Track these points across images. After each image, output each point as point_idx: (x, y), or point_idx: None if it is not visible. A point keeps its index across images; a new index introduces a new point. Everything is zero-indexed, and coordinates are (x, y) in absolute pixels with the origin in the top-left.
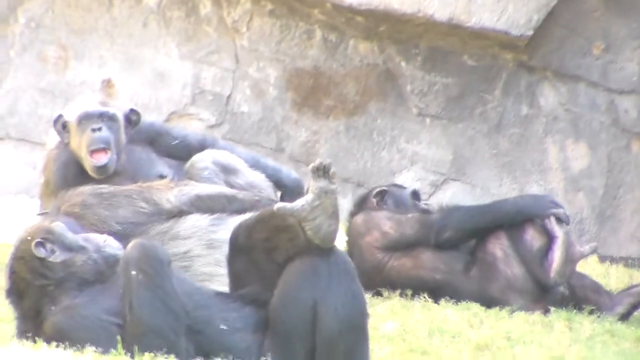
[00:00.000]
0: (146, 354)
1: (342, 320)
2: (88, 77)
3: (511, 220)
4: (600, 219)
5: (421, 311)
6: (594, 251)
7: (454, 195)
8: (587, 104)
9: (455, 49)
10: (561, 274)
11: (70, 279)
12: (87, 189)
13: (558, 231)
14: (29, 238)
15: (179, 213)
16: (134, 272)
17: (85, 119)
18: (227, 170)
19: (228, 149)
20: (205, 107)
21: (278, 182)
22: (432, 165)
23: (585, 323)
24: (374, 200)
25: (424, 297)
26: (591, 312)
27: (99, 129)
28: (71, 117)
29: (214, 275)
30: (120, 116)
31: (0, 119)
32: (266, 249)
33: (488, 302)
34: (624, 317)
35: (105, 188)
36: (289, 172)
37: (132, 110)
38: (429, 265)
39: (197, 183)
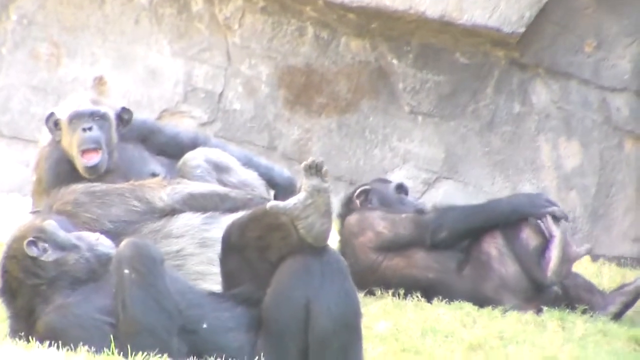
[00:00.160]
0: (139, 353)
1: (335, 319)
2: (80, 74)
3: (506, 219)
4: (592, 217)
5: (414, 310)
6: (588, 252)
7: (446, 193)
8: (579, 102)
9: (447, 46)
10: (558, 273)
11: (62, 277)
12: (79, 187)
13: (555, 230)
14: (21, 237)
15: (171, 211)
16: (126, 271)
17: (77, 118)
18: (219, 169)
19: (220, 147)
20: (197, 105)
21: (270, 181)
22: (425, 164)
23: (578, 322)
24: (357, 201)
25: (417, 297)
26: (584, 312)
27: (90, 129)
28: (63, 115)
29: (207, 274)
30: (112, 115)
31: None
32: (259, 248)
33: (481, 302)
34: (617, 316)
35: (97, 186)
36: (281, 170)
37: (123, 109)
38: (422, 264)
39: (189, 181)
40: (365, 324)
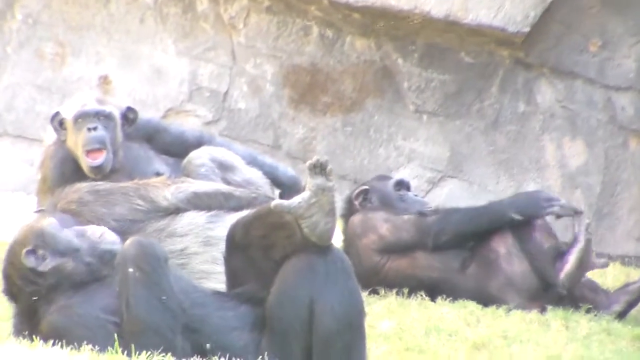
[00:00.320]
0: (143, 352)
1: (339, 318)
2: (85, 73)
3: (509, 222)
4: (597, 216)
5: (418, 310)
6: (604, 267)
7: (451, 192)
8: (584, 101)
9: (452, 45)
10: (571, 278)
11: (62, 282)
12: (84, 185)
13: (581, 236)
14: (21, 242)
15: (175, 210)
16: (131, 270)
17: (82, 117)
18: (224, 167)
19: (225, 145)
20: (202, 104)
21: (275, 180)
22: (429, 163)
23: (582, 322)
24: (356, 202)
25: (421, 296)
26: (588, 311)
27: (95, 128)
28: (68, 114)
29: (211, 272)
30: (117, 114)
31: None
32: (263, 247)
33: (485, 300)
34: (621, 315)
35: (102, 185)
36: (286, 169)
37: (129, 108)
38: (425, 265)
39: (194, 180)
40: (369, 323)
